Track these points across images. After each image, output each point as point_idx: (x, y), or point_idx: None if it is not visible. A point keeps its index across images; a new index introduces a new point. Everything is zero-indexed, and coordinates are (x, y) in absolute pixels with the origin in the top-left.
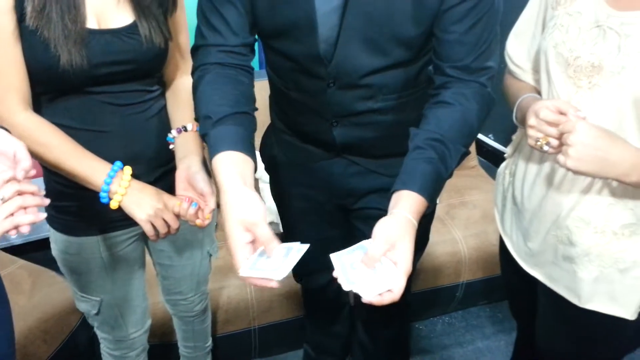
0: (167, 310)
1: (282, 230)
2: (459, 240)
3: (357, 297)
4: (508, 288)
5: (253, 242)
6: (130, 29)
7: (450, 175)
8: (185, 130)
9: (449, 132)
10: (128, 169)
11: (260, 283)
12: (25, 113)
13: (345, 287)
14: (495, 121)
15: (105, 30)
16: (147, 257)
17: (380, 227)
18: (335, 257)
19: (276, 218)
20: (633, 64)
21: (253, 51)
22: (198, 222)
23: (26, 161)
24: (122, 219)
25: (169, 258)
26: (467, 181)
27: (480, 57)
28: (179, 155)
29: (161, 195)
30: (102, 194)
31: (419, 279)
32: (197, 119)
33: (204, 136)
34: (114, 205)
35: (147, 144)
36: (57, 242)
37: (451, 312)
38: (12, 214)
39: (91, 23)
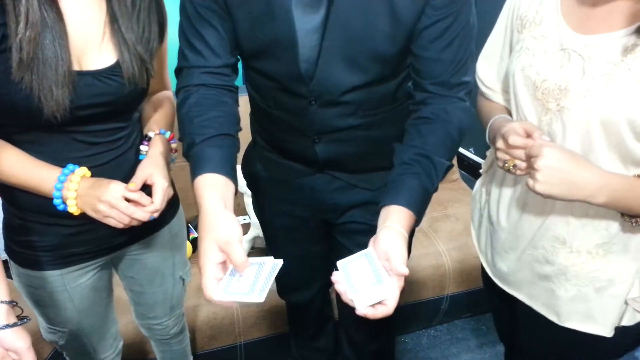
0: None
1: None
2: (442, 252)
3: (342, 311)
4: (490, 307)
5: (224, 263)
6: (112, 70)
7: (436, 189)
8: (149, 139)
9: (433, 146)
10: (80, 170)
11: (232, 305)
12: None
13: (349, 294)
14: (475, 135)
15: (86, 72)
16: (119, 280)
17: (380, 238)
18: (341, 264)
19: (261, 232)
20: (597, 86)
21: (236, 71)
22: (150, 208)
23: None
24: (85, 252)
25: (140, 285)
26: (449, 194)
27: (457, 73)
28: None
29: (112, 186)
30: (56, 201)
31: (404, 292)
32: (180, 139)
33: (187, 157)
34: (72, 210)
35: (123, 178)
36: (20, 275)
37: (436, 325)
38: None
39: (73, 64)
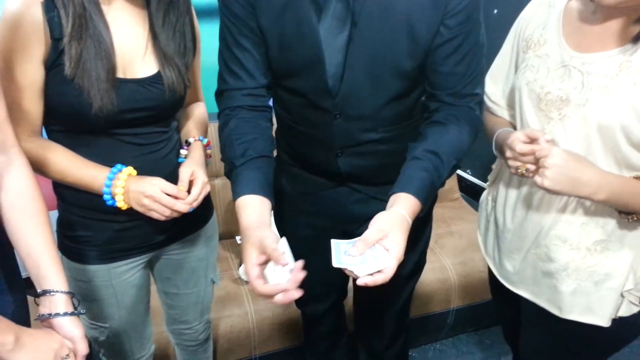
0: (169, 338)
1: None
2: (448, 267)
3: (360, 321)
4: (499, 311)
5: (261, 264)
6: (154, 79)
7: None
8: (188, 144)
9: (443, 146)
10: (127, 169)
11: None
12: (31, 139)
13: (334, 264)
14: (472, 158)
15: (131, 80)
16: (152, 286)
17: (376, 219)
18: (334, 242)
19: None
20: (595, 96)
21: (270, 91)
22: (188, 199)
23: (83, 350)
24: (132, 248)
25: (176, 286)
26: (451, 212)
27: (469, 85)
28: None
29: (155, 182)
30: (106, 197)
31: (412, 305)
32: (222, 160)
33: (228, 177)
34: (120, 205)
35: (165, 177)
36: (70, 270)
37: (442, 339)
38: None
39: (119, 73)
